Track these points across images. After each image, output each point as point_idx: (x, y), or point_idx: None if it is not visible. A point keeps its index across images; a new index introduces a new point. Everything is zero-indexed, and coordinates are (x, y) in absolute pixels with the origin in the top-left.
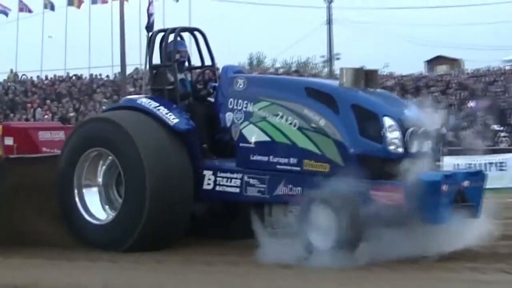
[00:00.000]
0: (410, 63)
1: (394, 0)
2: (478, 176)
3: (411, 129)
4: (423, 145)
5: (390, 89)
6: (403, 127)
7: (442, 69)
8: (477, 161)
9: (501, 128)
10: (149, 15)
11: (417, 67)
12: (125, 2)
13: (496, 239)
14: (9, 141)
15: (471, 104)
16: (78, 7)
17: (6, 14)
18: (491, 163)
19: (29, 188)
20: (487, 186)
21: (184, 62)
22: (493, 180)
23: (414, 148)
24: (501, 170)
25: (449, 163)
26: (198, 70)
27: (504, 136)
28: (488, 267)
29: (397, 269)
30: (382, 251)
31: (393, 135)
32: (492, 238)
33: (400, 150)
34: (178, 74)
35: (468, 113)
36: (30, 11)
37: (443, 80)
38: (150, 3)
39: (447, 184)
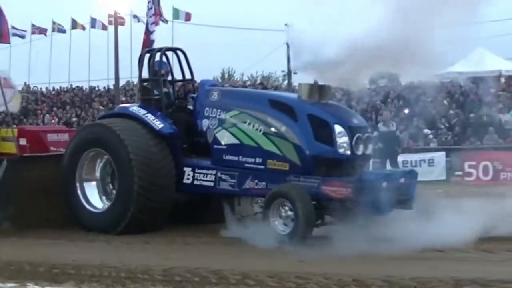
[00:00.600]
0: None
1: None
2: (412, 174)
3: (357, 135)
4: (367, 148)
5: (338, 100)
6: (350, 133)
7: (383, 81)
8: (411, 158)
9: (431, 131)
10: (151, 41)
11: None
12: (119, 26)
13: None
14: (23, 141)
15: (406, 111)
16: (83, 29)
17: (23, 37)
18: (422, 160)
19: (39, 181)
20: (420, 179)
21: (166, 79)
22: (424, 174)
23: (359, 151)
24: (430, 166)
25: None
26: (179, 83)
27: (433, 138)
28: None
29: (343, 248)
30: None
31: (342, 140)
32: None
33: (348, 152)
34: (163, 87)
35: (403, 118)
36: (41, 33)
37: (384, 91)
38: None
39: (387, 182)
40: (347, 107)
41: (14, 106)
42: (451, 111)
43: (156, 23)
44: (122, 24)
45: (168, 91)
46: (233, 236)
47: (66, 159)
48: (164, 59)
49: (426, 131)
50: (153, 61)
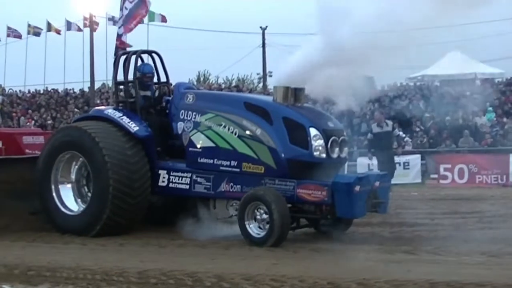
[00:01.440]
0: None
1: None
2: (386, 177)
3: (332, 138)
4: (342, 151)
5: (313, 102)
6: (325, 136)
7: None
8: None
9: (406, 134)
10: (125, 47)
11: None
12: (94, 29)
13: (402, 225)
14: None
15: (379, 114)
16: (57, 32)
17: None
18: (398, 163)
19: (14, 183)
20: (396, 182)
21: (152, 83)
22: (400, 177)
23: (335, 154)
24: (406, 168)
25: (363, 163)
26: (155, 86)
27: (408, 141)
28: (395, 249)
29: (318, 251)
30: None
31: (317, 143)
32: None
33: (323, 155)
34: (141, 90)
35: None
36: (16, 36)
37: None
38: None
39: (360, 185)
40: (322, 110)
41: None
42: (427, 114)
43: (127, 31)
44: (97, 26)
45: (151, 94)
46: (208, 238)
47: (41, 162)
48: (140, 62)
49: (401, 134)
50: (128, 63)
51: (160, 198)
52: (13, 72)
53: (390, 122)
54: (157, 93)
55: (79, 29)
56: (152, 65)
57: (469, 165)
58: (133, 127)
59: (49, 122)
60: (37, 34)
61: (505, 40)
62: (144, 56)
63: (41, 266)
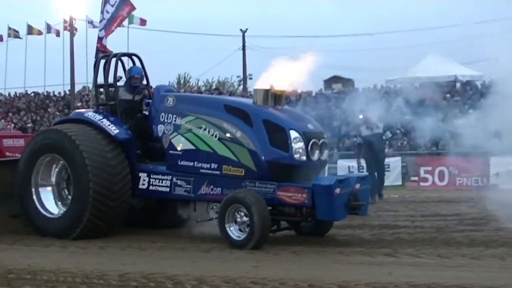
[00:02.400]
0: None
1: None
2: (366, 179)
3: (312, 140)
4: (322, 154)
5: (293, 104)
6: (306, 139)
7: (337, 87)
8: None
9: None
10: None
11: (316, 85)
12: (74, 32)
13: (382, 228)
14: None
15: (360, 116)
16: (39, 34)
17: None
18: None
19: None
20: None
21: (139, 86)
22: None
23: (315, 156)
24: (386, 171)
25: (344, 165)
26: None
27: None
28: (375, 252)
29: (298, 254)
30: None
31: (297, 145)
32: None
33: (304, 158)
34: (128, 93)
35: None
36: None
37: (339, 97)
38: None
39: (340, 188)
40: (302, 112)
41: None
42: (407, 117)
43: (108, 34)
44: (76, 31)
45: (140, 97)
46: (188, 241)
47: (22, 165)
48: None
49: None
50: (108, 66)
51: (140, 201)
52: None
53: (380, 124)
54: (137, 96)
55: (58, 34)
56: (141, 67)
57: (449, 167)
58: (113, 130)
59: (29, 125)
60: (17, 37)
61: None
62: (124, 58)
63: (22, 269)
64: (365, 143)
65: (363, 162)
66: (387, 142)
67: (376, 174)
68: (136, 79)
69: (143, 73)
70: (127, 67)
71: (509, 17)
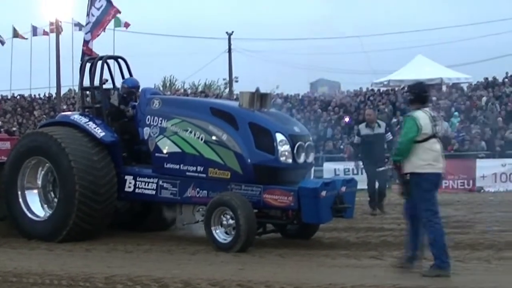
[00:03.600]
0: (296, 85)
1: (283, 32)
2: (352, 182)
3: (298, 143)
4: (308, 156)
5: (279, 107)
6: (292, 142)
7: (323, 90)
8: (353, 166)
9: None
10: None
11: (302, 88)
12: (60, 34)
13: (368, 230)
14: None
15: (346, 119)
16: (24, 38)
17: None
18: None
19: None
20: (363, 187)
21: (129, 101)
22: (366, 182)
23: (301, 159)
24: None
25: (330, 168)
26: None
27: None
28: (361, 254)
29: (284, 256)
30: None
31: (283, 148)
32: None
33: (290, 160)
34: (117, 99)
35: (344, 126)
36: None
37: (324, 100)
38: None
39: (326, 190)
40: (288, 115)
41: None
42: (394, 119)
43: (94, 38)
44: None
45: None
46: (174, 243)
47: (8, 167)
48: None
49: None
50: (94, 69)
51: (126, 203)
52: None
53: (383, 123)
54: (123, 106)
55: (45, 33)
56: (136, 80)
57: None
58: (99, 132)
59: (15, 128)
60: (2, 42)
61: (472, 45)
62: (110, 61)
63: (7, 272)
64: (364, 143)
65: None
66: (388, 145)
67: (376, 181)
68: (128, 89)
69: (138, 85)
70: (113, 70)
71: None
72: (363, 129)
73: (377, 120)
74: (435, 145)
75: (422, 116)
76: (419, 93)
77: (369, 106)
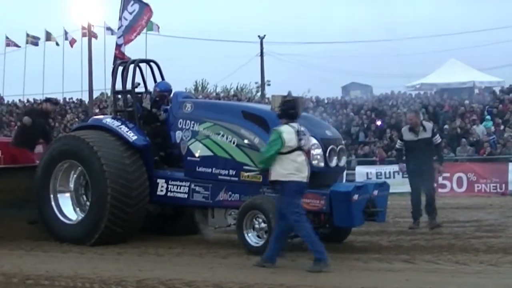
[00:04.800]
0: (328, 89)
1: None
2: (384, 186)
3: (330, 147)
4: (340, 160)
5: (311, 111)
6: (324, 145)
7: (355, 93)
8: (385, 170)
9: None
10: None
11: (334, 92)
12: (93, 39)
13: (400, 234)
14: None
15: (378, 122)
16: (57, 44)
17: None
18: (396, 171)
19: (13, 192)
20: (394, 191)
21: (161, 105)
22: (398, 186)
23: (333, 163)
24: (404, 177)
25: (362, 172)
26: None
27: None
28: (393, 258)
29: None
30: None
31: (315, 152)
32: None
33: (322, 164)
34: (150, 102)
35: (375, 130)
36: (16, 45)
37: (357, 103)
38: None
39: (358, 194)
40: (319, 119)
41: None
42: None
43: (127, 43)
44: (95, 36)
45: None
46: (206, 247)
47: (40, 171)
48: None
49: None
50: (126, 73)
51: (158, 207)
52: (12, 82)
53: (429, 126)
54: (155, 110)
55: (74, 41)
56: (169, 84)
57: (467, 173)
58: (131, 136)
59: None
60: (35, 43)
61: (504, 48)
62: (142, 65)
63: (39, 275)
64: (407, 149)
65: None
66: (436, 150)
67: (422, 190)
68: (160, 93)
69: (171, 89)
70: (145, 74)
71: None
72: (406, 133)
73: (422, 123)
74: (299, 157)
75: (288, 130)
76: (287, 110)
77: (410, 108)
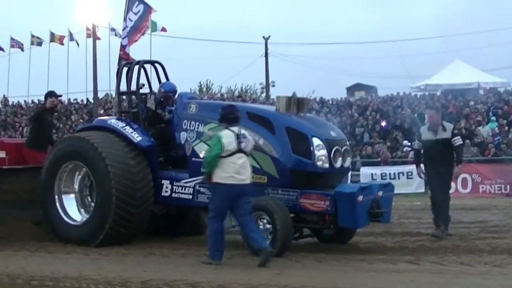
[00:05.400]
0: (332, 89)
1: (319, 37)
2: (389, 187)
3: (335, 148)
4: (345, 161)
5: (316, 112)
6: (328, 146)
7: (360, 94)
8: (389, 171)
9: (409, 144)
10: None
11: (339, 93)
12: (97, 39)
13: (405, 235)
14: (2, 154)
15: (383, 123)
16: (61, 43)
17: (2, 50)
18: (401, 173)
19: (17, 193)
20: (399, 192)
21: (165, 105)
22: (403, 187)
23: (337, 164)
24: (409, 178)
25: (367, 173)
26: (154, 95)
27: (412, 150)
28: (398, 259)
29: (320, 261)
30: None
31: (320, 152)
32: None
33: (326, 165)
34: (154, 103)
35: (380, 131)
36: (19, 47)
37: (361, 104)
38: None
39: (362, 195)
40: (324, 120)
41: None
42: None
43: (131, 43)
44: (99, 38)
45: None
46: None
47: (45, 172)
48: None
49: (405, 142)
50: (131, 74)
51: (162, 208)
52: (17, 82)
53: (449, 126)
54: (159, 111)
55: (77, 43)
56: (173, 84)
57: (472, 174)
58: (136, 137)
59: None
60: (39, 44)
61: (508, 49)
62: (147, 66)
63: (44, 276)
64: (425, 150)
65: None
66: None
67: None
68: (165, 94)
69: (175, 89)
70: (149, 75)
71: None
72: (425, 132)
73: (442, 123)
74: (239, 160)
75: (227, 135)
76: (226, 115)
77: (430, 105)
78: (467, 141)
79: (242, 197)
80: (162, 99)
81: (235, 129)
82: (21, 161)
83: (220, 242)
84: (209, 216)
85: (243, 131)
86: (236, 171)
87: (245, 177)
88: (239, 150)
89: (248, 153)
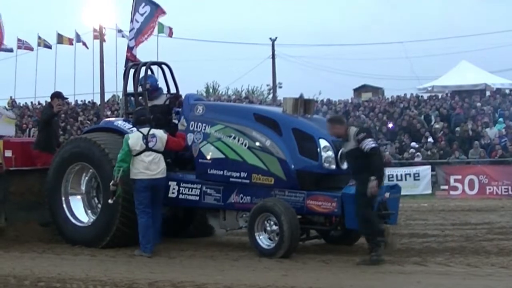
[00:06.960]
0: (339, 91)
1: (326, 38)
2: (396, 188)
3: (342, 149)
4: None
5: (323, 113)
6: (335, 148)
7: (367, 96)
8: (396, 172)
9: (416, 145)
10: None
11: (345, 94)
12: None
13: (412, 236)
14: (8, 153)
15: (390, 125)
16: (70, 43)
17: (11, 51)
18: (408, 174)
19: (24, 194)
20: (406, 193)
21: (159, 95)
22: (409, 188)
23: (344, 165)
24: (416, 180)
25: None
26: (165, 96)
27: (418, 151)
28: (405, 260)
29: (327, 262)
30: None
31: (327, 154)
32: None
33: (333, 166)
34: (150, 101)
35: (386, 132)
36: (27, 48)
37: (368, 106)
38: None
39: None
40: None
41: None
42: (437, 125)
43: (138, 44)
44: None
45: (161, 103)
46: (217, 250)
47: (52, 173)
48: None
49: (413, 144)
50: (138, 75)
51: (169, 209)
52: (24, 84)
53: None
54: (156, 101)
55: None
56: (160, 76)
57: (479, 176)
58: None
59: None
60: (48, 46)
61: None
62: (154, 67)
63: (51, 277)
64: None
65: None
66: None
67: None
68: (152, 90)
69: (156, 85)
70: (156, 76)
71: None
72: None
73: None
74: (147, 157)
75: (134, 136)
76: (138, 117)
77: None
78: (476, 142)
79: (157, 190)
80: (169, 101)
81: (145, 130)
82: (28, 160)
83: (149, 235)
84: (137, 212)
85: (153, 131)
86: (145, 167)
87: (156, 172)
88: (148, 149)
89: (159, 151)
